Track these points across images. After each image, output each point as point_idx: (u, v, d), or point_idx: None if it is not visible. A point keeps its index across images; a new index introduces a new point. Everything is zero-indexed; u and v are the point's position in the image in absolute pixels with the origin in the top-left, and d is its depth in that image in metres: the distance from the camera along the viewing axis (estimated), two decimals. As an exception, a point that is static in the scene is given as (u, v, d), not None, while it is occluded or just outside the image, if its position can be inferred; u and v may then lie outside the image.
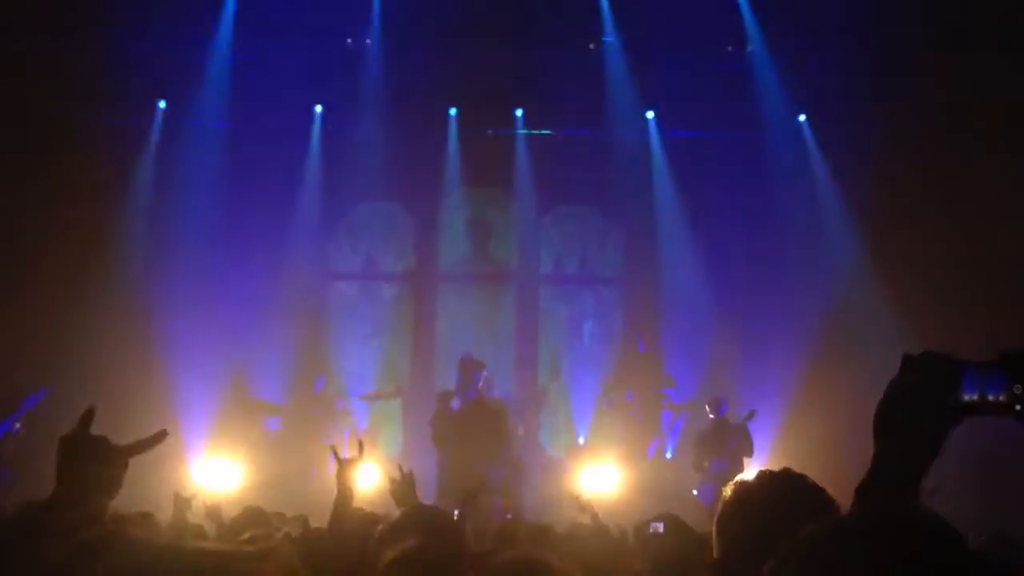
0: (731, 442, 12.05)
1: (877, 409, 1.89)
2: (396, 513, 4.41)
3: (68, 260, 14.15)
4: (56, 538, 2.27)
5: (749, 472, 2.59)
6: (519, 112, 15.40)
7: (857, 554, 1.54)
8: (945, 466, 1.98)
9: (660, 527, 6.04)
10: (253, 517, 6.68)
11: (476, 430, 10.41)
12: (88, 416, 2.43)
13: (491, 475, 10.19)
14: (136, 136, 14.79)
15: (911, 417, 1.87)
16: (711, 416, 12.27)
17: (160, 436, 2.52)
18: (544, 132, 15.59)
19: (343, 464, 5.28)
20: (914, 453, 1.86)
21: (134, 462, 2.47)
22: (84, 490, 2.32)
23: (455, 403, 10.81)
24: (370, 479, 9.38)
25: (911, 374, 1.89)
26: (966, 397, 1.87)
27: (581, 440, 14.55)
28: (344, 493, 5.15)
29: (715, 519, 2.43)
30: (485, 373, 11.05)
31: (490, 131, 15.63)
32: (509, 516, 9.44)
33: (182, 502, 7.39)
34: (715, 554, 2.41)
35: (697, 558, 4.89)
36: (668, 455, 13.91)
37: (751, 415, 12.24)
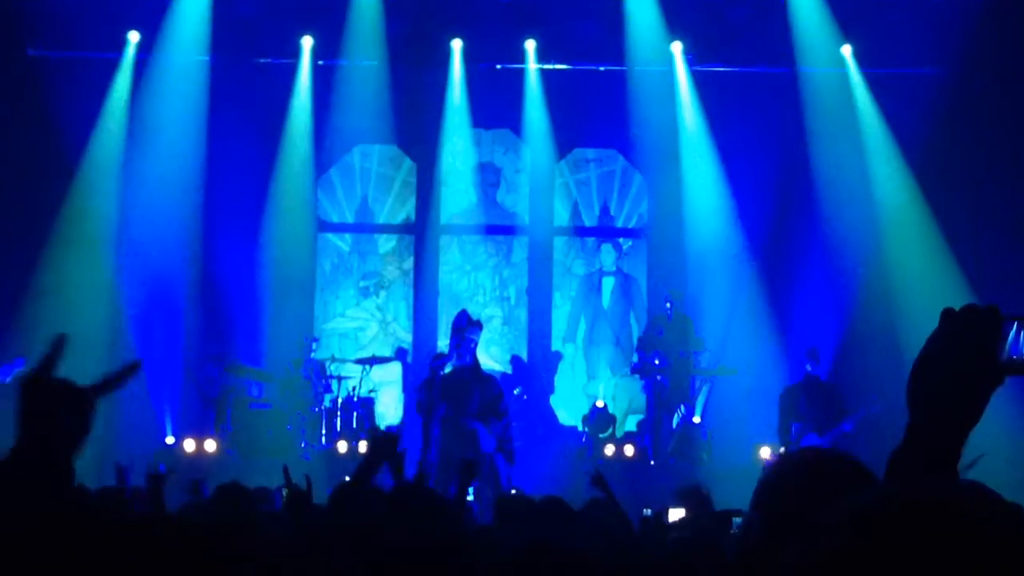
0: (820, 405, 11.98)
1: (912, 369, 1.88)
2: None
3: (31, 211, 14.17)
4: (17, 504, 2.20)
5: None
6: (531, 44, 15.27)
7: (883, 536, 1.48)
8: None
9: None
10: (231, 494, 6.64)
11: (468, 399, 10.34)
12: (57, 350, 2.29)
13: (484, 447, 10.14)
14: (106, 70, 14.68)
15: (949, 378, 1.85)
16: (807, 369, 12.26)
17: (132, 368, 2.41)
18: (559, 67, 15.50)
19: (379, 439, 5.27)
20: (952, 418, 1.84)
21: (108, 445, 2.40)
22: (51, 441, 2.22)
23: (447, 367, 10.71)
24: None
25: (950, 330, 1.87)
26: (1012, 355, 1.85)
27: (599, 407, 14.54)
28: (369, 465, 5.17)
29: (754, 493, 2.38)
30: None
31: (498, 66, 15.54)
32: (513, 491, 9.41)
33: (157, 482, 7.30)
34: (746, 533, 2.39)
35: (718, 541, 4.85)
36: (696, 420, 13.91)
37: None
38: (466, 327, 10.60)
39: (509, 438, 10.49)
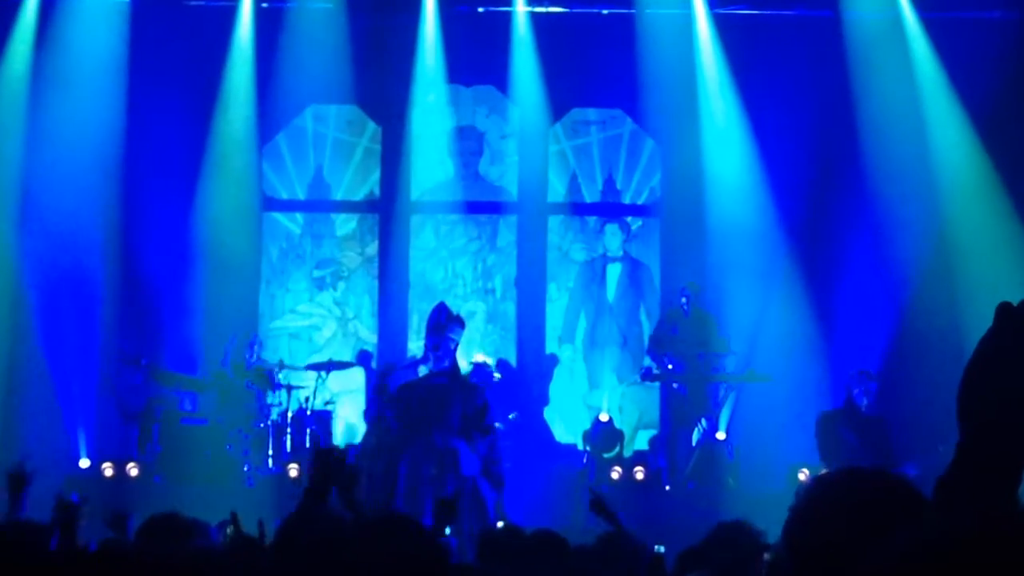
0: (861, 437, 11.93)
1: (963, 376, 1.90)
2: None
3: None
4: None
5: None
6: (519, -17, 15.32)
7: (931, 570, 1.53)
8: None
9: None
10: (166, 526, 6.63)
11: (448, 412, 10.33)
12: None
13: (466, 470, 10.13)
14: (4, 13, 14.71)
15: (1005, 386, 1.86)
16: (858, 397, 12.17)
17: None
18: (553, 10, 15.54)
19: (323, 456, 5.26)
20: (1010, 435, 1.86)
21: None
22: None
23: (421, 370, 10.72)
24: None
25: (1008, 330, 1.89)
26: None
27: (603, 420, 14.54)
28: (316, 490, 5.15)
29: (785, 524, 2.39)
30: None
31: (480, 8, 15.58)
32: (500, 524, 9.41)
33: (67, 511, 7.31)
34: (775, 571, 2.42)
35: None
36: (720, 436, 13.91)
37: None
38: (445, 324, 10.58)
39: (496, 459, 10.47)
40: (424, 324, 11.34)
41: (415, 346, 14.98)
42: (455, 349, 10.58)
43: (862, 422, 12.13)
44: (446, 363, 10.47)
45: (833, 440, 12.05)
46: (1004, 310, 1.91)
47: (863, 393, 12.16)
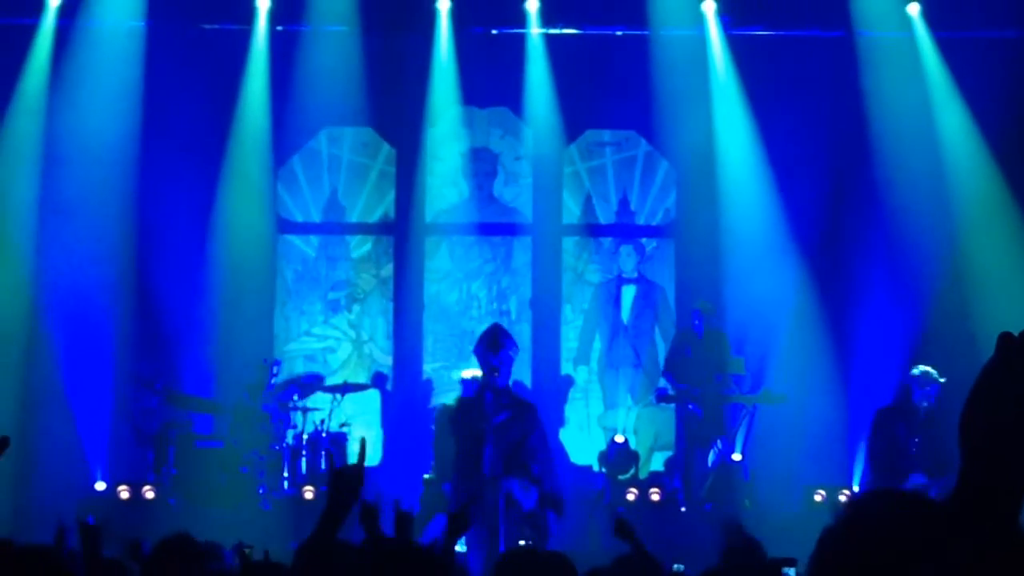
0: (920, 439, 11.77)
1: (965, 405, 1.92)
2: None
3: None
4: None
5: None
6: (533, 4, 15.29)
7: None
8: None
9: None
10: (178, 549, 6.61)
11: (508, 432, 10.27)
12: None
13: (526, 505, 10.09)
14: (19, 39, 14.70)
15: (1007, 415, 1.88)
16: (918, 398, 11.89)
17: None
18: (567, 31, 15.52)
19: (339, 474, 5.19)
20: (1010, 463, 1.88)
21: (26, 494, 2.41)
22: None
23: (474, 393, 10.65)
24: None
25: (1009, 359, 1.91)
26: None
27: (619, 442, 14.51)
28: (334, 513, 5.08)
29: (815, 549, 2.35)
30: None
31: (494, 31, 15.58)
32: (526, 543, 9.37)
33: (89, 533, 7.32)
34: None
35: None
36: (736, 457, 13.86)
37: None
38: (504, 343, 10.45)
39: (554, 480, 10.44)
40: (439, 343, 11.31)
41: (430, 368, 15.01)
42: (509, 369, 10.50)
43: (922, 425, 11.78)
44: (501, 381, 10.40)
45: (888, 439, 11.66)
46: (1005, 340, 1.92)
47: (924, 396, 11.69)
